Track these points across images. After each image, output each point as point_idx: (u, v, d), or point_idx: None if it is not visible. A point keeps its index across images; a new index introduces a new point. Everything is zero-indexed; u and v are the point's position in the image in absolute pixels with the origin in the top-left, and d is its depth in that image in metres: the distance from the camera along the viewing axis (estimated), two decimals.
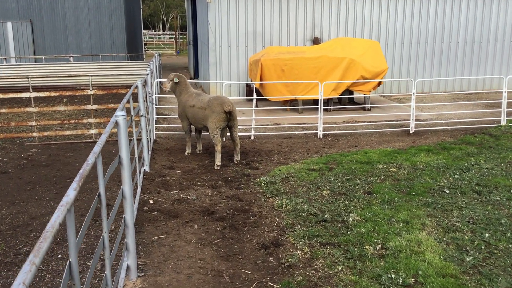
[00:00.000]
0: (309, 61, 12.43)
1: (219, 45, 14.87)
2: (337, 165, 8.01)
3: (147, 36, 59.60)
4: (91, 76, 10.55)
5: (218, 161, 8.14)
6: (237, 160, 8.49)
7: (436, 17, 15.80)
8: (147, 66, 17.93)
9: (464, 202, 6.20)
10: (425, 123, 11.49)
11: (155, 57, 15.94)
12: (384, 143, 9.92)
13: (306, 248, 5.00)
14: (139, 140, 7.95)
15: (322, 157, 8.68)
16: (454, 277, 4.34)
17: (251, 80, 13.53)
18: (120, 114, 4.12)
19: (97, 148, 3.00)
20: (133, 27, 27.83)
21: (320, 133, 10.49)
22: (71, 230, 2.24)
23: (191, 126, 8.93)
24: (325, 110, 12.15)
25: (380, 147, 9.56)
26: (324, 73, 12.46)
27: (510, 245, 4.94)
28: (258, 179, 7.41)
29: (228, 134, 8.56)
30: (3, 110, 10.10)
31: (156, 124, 10.66)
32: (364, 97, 13.29)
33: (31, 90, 9.85)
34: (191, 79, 22.43)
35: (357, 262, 4.65)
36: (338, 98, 13.35)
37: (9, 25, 22.80)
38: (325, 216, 5.79)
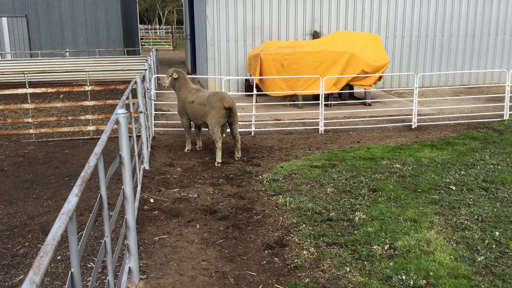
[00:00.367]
0: (309, 56, 12.27)
1: (217, 39, 14.69)
2: (340, 162, 7.87)
3: (143, 30, 59.29)
4: (88, 71, 10.35)
5: (218, 158, 7.99)
6: (238, 157, 8.34)
7: (436, 10, 15.65)
8: (145, 61, 17.74)
9: (471, 199, 6.08)
10: (427, 118, 11.37)
11: (152, 52, 15.74)
12: (387, 139, 9.79)
13: (312, 248, 4.87)
14: (138, 137, 7.79)
15: (325, 153, 8.54)
16: (467, 278, 4.21)
17: (250, 75, 13.37)
18: (120, 112, 3.97)
19: (98, 149, 2.85)
20: (129, 22, 27.59)
21: (321, 128, 10.35)
22: (73, 239, 2.09)
23: (191, 122, 8.78)
24: (325, 105, 12.01)
25: (382, 142, 9.43)
26: (324, 67, 12.30)
27: None
28: (260, 177, 7.27)
29: (229, 130, 8.41)
30: None
31: (154, 120, 10.50)
32: (365, 91, 13.15)
33: (27, 86, 9.67)
34: (188, 74, 22.24)
35: (365, 262, 4.52)
36: (338, 93, 13.20)
37: (4, 20, 22.53)
38: (331, 214, 5.65)
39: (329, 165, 7.68)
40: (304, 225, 5.45)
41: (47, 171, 7.80)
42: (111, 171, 3.67)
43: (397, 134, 10.18)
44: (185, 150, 8.87)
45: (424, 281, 4.17)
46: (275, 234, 5.31)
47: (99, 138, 8.89)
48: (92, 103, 9.71)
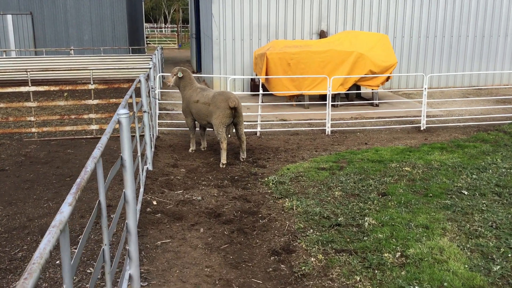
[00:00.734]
0: (316, 55, 12.07)
1: (223, 38, 14.51)
2: (348, 164, 7.68)
3: (148, 29, 59.18)
4: (92, 69, 10.21)
5: (223, 160, 7.81)
6: (243, 158, 8.16)
7: (445, 10, 15.41)
8: (150, 59, 17.59)
9: (484, 205, 5.87)
10: (436, 120, 11.15)
11: (157, 50, 15.58)
12: (395, 140, 9.59)
13: (321, 255, 4.68)
14: (141, 136, 7.63)
15: (332, 155, 8.35)
16: None
17: (256, 75, 13.18)
18: (122, 112, 3.79)
19: (97, 152, 2.67)
20: (134, 20, 27.46)
21: (328, 129, 10.16)
22: (66, 253, 1.92)
23: (195, 122, 8.61)
24: (332, 105, 11.82)
25: (391, 144, 9.23)
26: (331, 67, 12.10)
27: None
28: (266, 179, 7.09)
29: (234, 130, 8.23)
30: (1, 105, 9.78)
31: (158, 119, 10.34)
32: (372, 92, 12.94)
33: (29, 84, 9.52)
34: (193, 72, 22.08)
35: (376, 271, 4.33)
36: (345, 93, 13.00)
37: (9, 17, 22.44)
38: (339, 219, 5.47)
39: (337, 168, 7.48)
40: (311, 230, 5.26)
41: (49, 171, 7.64)
42: (112, 174, 3.50)
43: (406, 136, 9.98)
44: (190, 150, 8.70)
45: None
46: (282, 239, 5.13)
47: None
48: (95, 101, 9.55)
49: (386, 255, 4.60)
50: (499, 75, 16.27)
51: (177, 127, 10.48)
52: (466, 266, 4.39)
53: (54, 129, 9.78)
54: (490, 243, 4.83)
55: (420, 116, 10.77)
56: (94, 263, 4.61)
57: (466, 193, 6.30)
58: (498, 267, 4.35)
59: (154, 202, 6.12)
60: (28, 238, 5.27)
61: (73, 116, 9.89)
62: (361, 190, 6.44)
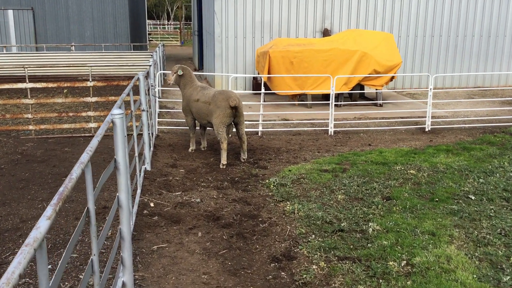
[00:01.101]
0: (319, 54, 11.87)
1: (225, 35, 14.31)
2: (351, 166, 7.49)
3: (151, 26, 58.98)
4: (91, 66, 10.02)
5: (224, 160, 7.63)
6: (244, 159, 7.98)
7: (451, 10, 15.18)
8: (151, 57, 17.41)
9: (492, 211, 5.68)
10: (441, 121, 10.95)
11: (159, 47, 15.39)
12: (399, 142, 9.39)
13: (323, 262, 4.50)
14: (140, 135, 7.45)
15: (335, 157, 8.16)
16: None
17: (258, 73, 12.99)
18: (116, 112, 3.61)
19: (85, 157, 2.49)
20: (137, 17, 27.26)
21: (331, 130, 9.96)
22: (43, 273, 1.74)
23: (196, 121, 8.42)
24: (335, 105, 11.62)
25: (395, 146, 9.03)
26: (335, 66, 11.90)
27: None
28: (267, 180, 6.90)
29: (234, 130, 8.05)
30: None
31: (158, 118, 10.15)
32: (376, 92, 12.74)
33: (27, 81, 9.35)
34: (195, 70, 21.90)
35: (381, 281, 4.15)
36: (348, 93, 12.80)
37: (10, 12, 22.25)
38: (342, 225, 5.28)
39: (340, 170, 7.29)
40: (313, 235, 5.08)
41: (45, 170, 7.46)
42: (104, 178, 3.31)
43: (410, 137, 9.78)
44: (189, 150, 8.52)
45: None
46: (282, 245, 4.94)
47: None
48: (94, 99, 9.37)
49: (391, 263, 4.41)
50: (504, 76, 16.05)
51: (177, 126, 10.30)
52: (475, 276, 4.20)
53: (52, 127, 9.60)
54: (499, 252, 4.63)
55: (425, 117, 10.57)
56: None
57: (473, 198, 6.10)
58: (508, 277, 4.16)
59: (152, 204, 5.94)
60: (20, 241, 5.10)
61: (71, 114, 9.72)
62: (364, 194, 6.25)
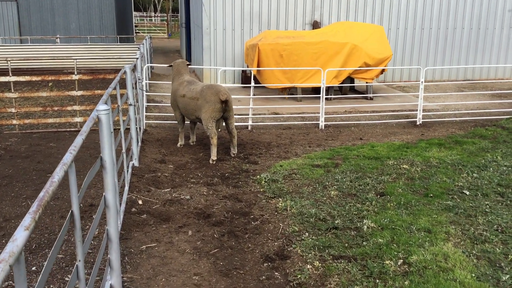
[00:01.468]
0: (309, 46, 11.72)
1: (213, 28, 14.09)
2: (343, 161, 7.37)
3: (137, 18, 58.33)
4: (76, 59, 9.77)
5: (213, 156, 7.47)
6: (234, 154, 7.82)
7: (441, 2, 15.09)
8: (137, 49, 17.12)
9: (488, 206, 5.59)
10: (432, 114, 10.87)
11: (146, 40, 15.12)
12: (391, 136, 9.29)
13: (317, 262, 4.37)
14: (127, 130, 7.25)
15: (326, 151, 8.03)
16: None
17: (248, 66, 12.80)
18: (102, 108, 3.44)
19: (68, 157, 2.32)
20: (123, 8, 26.85)
21: (322, 123, 9.83)
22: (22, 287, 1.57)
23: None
24: (325, 99, 11.48)
25: (386, 140, 8.93)
26: (325, 59, 11.76)
27: None
28: (258, 176, 6.75)
29: (224, 124, 7.87)
30: None
31: (146, 112, 9.94)
32: (367, 85, 12.62)
33: (10, 74, 9.08)
34: None
35: (377, 281, 4.03)
36: (338, 86, 12.67)
37: None
38: (336, 222, 5.15)
39: (332, 165, 7.17)
40: (307, 233, 4.94)
41: (29, 166, 7.24)
42: (89, 178, 3.14)
43: (402, 131, 9.69)
44: (178, 145, 8.34)
45: None
46: (275, 243, 4.80)
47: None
48: (80, 93, 9.13)
49: (387, 262, 4.29)
50: (494, 69, 16.03)
51: (165, 120, 10.10)
52: (473, 275, 4.10)
53: (36, 121, 9.35)
54: (497, 249, 4.54)
55: (416, 110, 10.49)
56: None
57: (467, 193, 6.01)
58: (508, 276, 4.06)
59: (140, 202, 5.76)
60: (3, 241, 4.90)
61: (56, 108, 9.48)
62: (358, 190, 6.13)
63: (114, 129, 4.47)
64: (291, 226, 5.12)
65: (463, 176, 6.64)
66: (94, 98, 11.92)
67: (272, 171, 6.97)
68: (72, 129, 9.32)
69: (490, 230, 4.96)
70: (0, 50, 16.64)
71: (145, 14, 66.84)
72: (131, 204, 5.66)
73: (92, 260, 4.35)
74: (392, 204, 5.64)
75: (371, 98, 12.52)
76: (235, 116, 8.46)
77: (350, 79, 12.80)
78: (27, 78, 8.96)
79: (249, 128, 9.70)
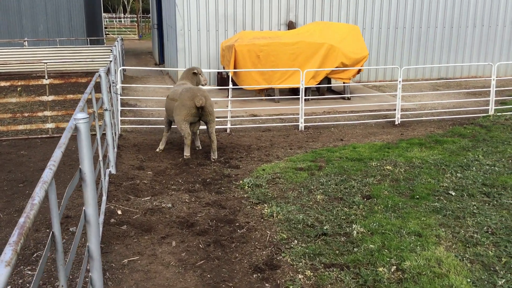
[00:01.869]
0: (286, 47, 11.58)
1: (187, 29, 13.83)
2: (326, 163, 7.24)
3: (107, 19, 57.38)
4: (46, 63, 9.41)
5: (186, 152, 7.58)
6: (214, 159, 7.62)
7: (414, 1, 15.16)
8: (109, 51, 16.72)
9: (475, 207, 5.54)
10: (409, 113, 10.86)
11: (118, 41, 14.76)
12: (371, 136, 9.22)
13: (309, 271, 4.21)
14: (102, 135, 6.97)
15: (308, 153, 7.90)
16: None
17: (224, 68, 12.60)
18: (80, 116, 3.20)
19: (48, 174, 2.10)
20: (92, 10, 26.29)
21: (302, 125, 9.70)
22: None
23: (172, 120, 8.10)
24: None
25: (367, 140, 8.86)
26: (302, 59, 11.65)
27: None
28: (240, 181, 6.56)
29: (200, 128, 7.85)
30: None
31: (121, 116, 9.64)
32: (344, 85, 12.56)
33: None
34: (156, 65, 21.28)
35: None
36: (316, 86, 12.57)
37: None
38: (325, 228, 5.00)
39: (315, 167, 7.03)
40: (296, 241, 4.78)
41: None
42: (69, 193, 2.91)
43: (381, 131, 9.63)
44: (157, 150, 8.09)
45: None
46: (264, 252, 4.63)
47: (59, 137, 7.84)
48: (51, 98, 8.77)
49: (380, 269, 4.16)
50: (467, 67, 16.19)
51: (141, 124, 9.82)
52: (469, 280, 4.00)
53: (5, 128, 8.96)
54: (490, 252, 4.46)
55: (393, 110, 10.46)
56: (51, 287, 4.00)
57: (453, 194, 5.95)
58: (503, 280, 3.98)
59: (119, 212, 5.51)
60: None
61: (26, 114, 9.10)
62: (344, 193, 6.00)
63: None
64: (279, 234, 4.96)
65: (447, 176, 6.59)
66: (66, 103, 11.54)
67: (255, 175, 6.79)
68: (43, 136, 8.96)
69: (480, 232, 4.89)
70: None
71: (114, 15, 65.86)
72: (110, 215, 5.40)
73: (71, 277, 4.10)
74: (379, 207, 5.53)
75: (348, 98, 12.47)
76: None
77: (327, 80, 12.72)
78: None
79: (228, 131, 9.51)
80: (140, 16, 52.40)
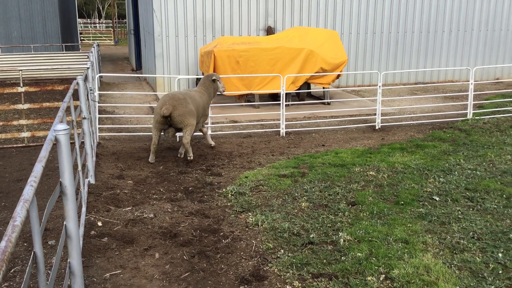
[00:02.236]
0: (265, 52, 11.54)
1: (165, 34, 13.68)
2: (309, 170, 7.18)
3: (82, 25, 56.68)
4: (21, 70, 9.16)
5: (150, 158, 7.78)
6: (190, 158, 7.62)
7: (391, 6, 15.30)
8: (85, 57, 16.46)
9: (460, 212, 5.54)
10: (389, 118, 10.91)
11: (94, 47, 14.51)
12: (352, 141, 9.22)
13: (297, 281, 4.13)
14: (81, 144, 6.79)
15: (290, 160, 7.83)
16: None
17: (203, 74, 12.48)
18: (60, 128, 3.07)
19: (29, 191, 1.97)
20: (67, 15, 25.88)
21: (283, 130, 9.65)
22: None
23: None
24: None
25: (349, 145, 8.84)
26: (281, 65, 11.61)
27: None
28: (223, 189, 6.46)
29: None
30: None
31: (99, 124, 9.44)
32: (324, 90, 12.57)
33: None
34: (133, 71, 21.03)
35: None
36: (296, 92, 12.55)
37: None
38: (311, 236, 4.94)
39: (299, 174, 6.97)
40: (282, 250, 4.70)
41: None
42: (49, 208, 2.78)
43: (362, 136, 9.64)
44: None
45: None
46: (250, 263, 4.53)
47: (35, 146, 7.63)
48: (26, 106, 8.54)
49: (369, 278, 4.11)
50: (444, 72, 16.39)
51: (119, 132, 9.64)
52: (458, 287, 3.97)
53: None
54: (477, 258, 4.45)
55: (373, 114, 10.49)
56: None
57: (437, 199, 5.95)
58: (492, 287, 3.96)
59: (99, 223, 5.35)
60: None
61: (1, 123, 8.83)
62: (328, 200, 5.95)
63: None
64: (264, 243, 4.87)
65: (430, 181, 6.59)
66: (41, 111, 11.27)
67: (238, 183, 6.69)
68: (19, 145, 8.71)
69: (466, 238, 4.88)
70: None
71: (89, 21, 65.10)
72: (90, 227, 5.24)
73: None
74: (365, 214, 5.49)
75: (328, 104, 12.47)
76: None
77: (307, 85, 12.71)
78: None
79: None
80: (116, 22, 51.90)
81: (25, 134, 8.61)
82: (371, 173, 6.97)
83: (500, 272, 4.22)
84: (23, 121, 8.63)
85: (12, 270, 4.43)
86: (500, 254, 4.50)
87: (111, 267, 4.46)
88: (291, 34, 12.35)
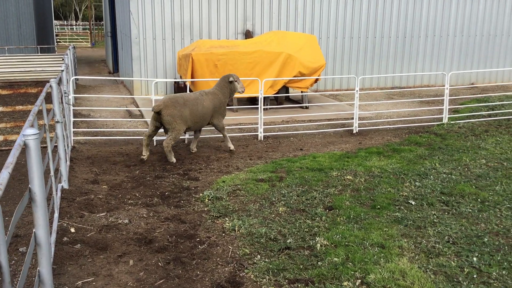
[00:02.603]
0: (244, 56, 11.51)
1: (143, 37, 13.55)
2: (287, 174, 7.17)
3: (58, 27, 55.94)
4: None
5: (143, 152, 7.95)
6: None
7: (368, 11, 15.43)
8: (61, 59, 16.22)
9: (435, 216, 5.57)
10: (366, 122, 10.97)
11: (70, 49, 14.29)
12: (330, 145, 9.23)
13: (273, 287, 4.09)
14: (54, 148, 6.65)
15: (268, 164, 7.81)
16: None
17: (181, 77, 12.39)
18: (29, 132, 2.98)
19: None
20: (43, 17, 25.48)
21: (261, 134, 9.62)
22: None
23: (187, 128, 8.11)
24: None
25: (326, 149, 8.86)
26: (260, 69, 11.59)
27: (504, 271, 4.32)
28: (200, 194, 6.40)
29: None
30: None
31: (73, 127, 9.28)
32: (302, 94, 12.59)
33: None
34: (110, 73, 20.79)
35: None
36: (274, 96, 12.54)
37: None
38: (288, 241, 4.91)
39: (276, 178, 6.94)
40: (259, 256, 4.66)
41: None
42: (17, 215, 2.69)
43: (340, 140, 9.67)
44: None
45: None
46: (226, 269, 4.48)
47: (8, 150, 7.44)
48: None
49: (345, 283, 4.09)
50: (420, 76, 16.59)
51: (95, 136, 9.49)
52: None
53: None
54: (452, 263, 4.47)
55: (351, 119, 10.54)
56: None
57: (413, 203, 5.98)
58: None
59: (72, 230, 5.24)
60: None
61: None
62: (306, 205, 5.93)
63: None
64: (241, 248, 4.82)
65: (406, 185, 6.64)
66: (14, 114, 11.04)
67: (215, 187, 6.64)
68: None
69: (442, 242, 4.91)
70: None
71: (66, 23, 64.29)
72: (63, 233, 5.12)
73: None
74: (342, 219, 5.49)
75: (307, 107, 12.49)
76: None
77: (285, 89, 12.71)
78: None
79: (186, 141, 9.31)
80: (92, 24, 51.36)
81: None
82: (348, 177, 6.99)
83: (475, 276, 4.25)
84: None
85: None
86: (474, 258, 4.53)
87: (83, 274, 4.36)
88: (269, 38, 12.34)
